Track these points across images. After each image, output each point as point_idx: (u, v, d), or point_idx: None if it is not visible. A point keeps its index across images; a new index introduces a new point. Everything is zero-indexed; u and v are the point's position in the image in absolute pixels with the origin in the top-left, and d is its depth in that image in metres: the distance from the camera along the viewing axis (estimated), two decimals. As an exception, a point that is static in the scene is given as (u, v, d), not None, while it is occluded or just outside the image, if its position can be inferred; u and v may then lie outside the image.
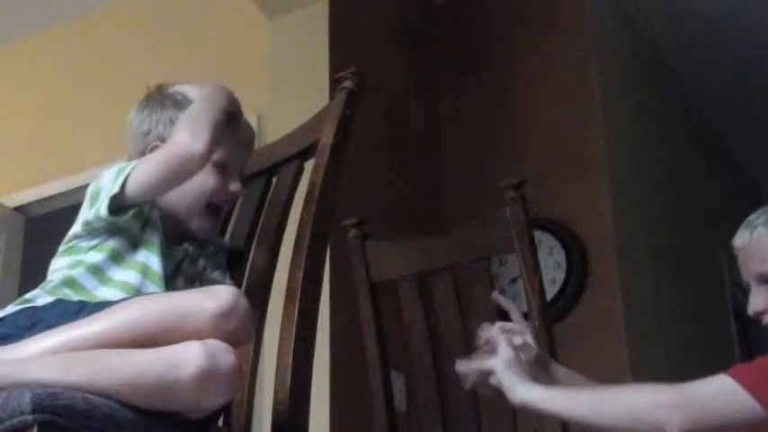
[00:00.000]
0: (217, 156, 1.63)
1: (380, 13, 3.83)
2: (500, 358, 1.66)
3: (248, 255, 1.74)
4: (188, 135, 1.51)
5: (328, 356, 2.95)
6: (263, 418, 1.78)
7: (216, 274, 1.68)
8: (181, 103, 1.65)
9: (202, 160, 1.52)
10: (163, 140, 1.62)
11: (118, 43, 4.20)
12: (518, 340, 1.75)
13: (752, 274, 1.73)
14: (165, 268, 1.61)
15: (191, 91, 1.67)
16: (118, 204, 1.53)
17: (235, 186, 1.68)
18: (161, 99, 1.68)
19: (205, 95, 1.62)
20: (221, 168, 1.65)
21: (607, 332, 3.40)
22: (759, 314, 1.74)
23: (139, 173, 1.53)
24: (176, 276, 1.64)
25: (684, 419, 1.47)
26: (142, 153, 1.65)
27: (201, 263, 1.68)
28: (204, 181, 1.64)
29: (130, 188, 1.52)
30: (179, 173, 1.53)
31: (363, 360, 2.31)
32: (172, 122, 1.63)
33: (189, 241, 1.68)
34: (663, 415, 1.48)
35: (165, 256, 1.62)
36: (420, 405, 2.27)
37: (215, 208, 1.68)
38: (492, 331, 1.73)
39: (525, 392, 1.62)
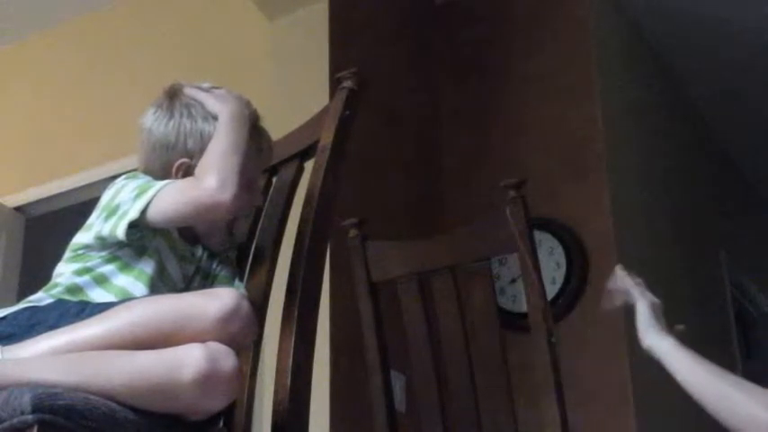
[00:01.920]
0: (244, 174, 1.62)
1: (380, 13, 3.83)
2: (646, 299, 1.75)
3: (248, 254, 1.74)
4: (216, 182, 1.46)
5: (328, 357, 2.95)
6: (263, 419, 1.78)
7: (227, 273, 1.68)
8: (208, 117, 1.60)
9: (228, 211, 1.49)
10: (191, 157, 1.58)
11: (118, 43, 4.20)
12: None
13: None
14: (183, 271, 1.60)
15: (212, 104, 1.60)
16: (135, 225, 1.51)
17: (256, 199, 1.68)
18: (186, 108, 1.62)
19: (231, 126, 1.56)
20: (250, 183, 1.63)
21: (607, 332, 3.40)
22: None
23: (162, 204, 1.48)
24: (195, 275, 1.63)
25: None
26: (165, 168, 1.60)
27: (216, 261, 1.67)
28: None
29: (151, 215, 1.48)
30: (203, 217, 1.53)
31: (363, 360, 2.31)
32: (202, 137, 1.58)
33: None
34: None
35: (185, 258, 1.61)
36: (420, 405, 2.27)
37: (233, 220, 1.66)
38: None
39: (656, 340, 1.79)
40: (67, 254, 1.57)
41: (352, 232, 2.36)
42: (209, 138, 1.58)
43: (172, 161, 1.60)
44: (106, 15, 4.26)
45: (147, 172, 1.62)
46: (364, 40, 3.63)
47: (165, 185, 1.51)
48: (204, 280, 1.64)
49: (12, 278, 4.08)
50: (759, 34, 4.59)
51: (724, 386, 1.66)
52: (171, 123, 1.61)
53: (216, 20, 3.97)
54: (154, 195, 1.49)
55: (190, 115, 1.61)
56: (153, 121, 1.63)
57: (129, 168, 3.98)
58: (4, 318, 1.45)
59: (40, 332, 1.38)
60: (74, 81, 4.26)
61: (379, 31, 3.79)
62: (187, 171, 1.59)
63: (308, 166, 1.73)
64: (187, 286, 1.61)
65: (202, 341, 1.33)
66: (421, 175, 3.85)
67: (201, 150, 1.57)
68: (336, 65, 3.25)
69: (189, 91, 1.65)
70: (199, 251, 1.65)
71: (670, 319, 3.77)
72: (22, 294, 1.55)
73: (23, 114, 4.40)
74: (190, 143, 1.59)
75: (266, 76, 3.42)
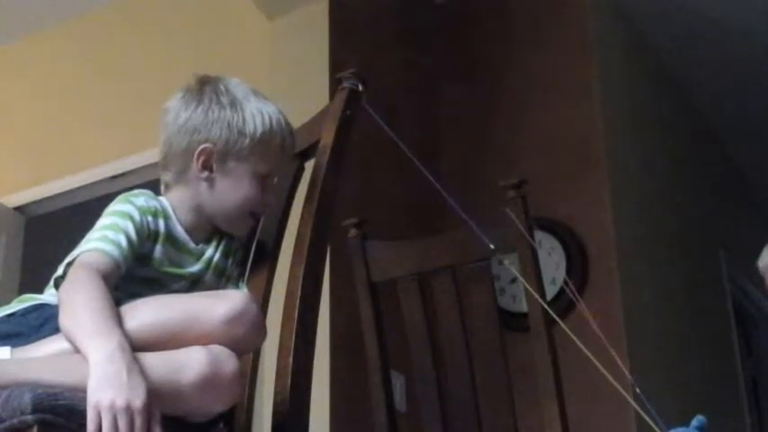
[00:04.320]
0: (263, 168, 1.62)
1: (380, 13, 3.83)
2: None
3: (249, 254, 1.74)
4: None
5: (328, 357, 2.95)
6: (263, 419, 1.78)
7: (239, 273, 1.68)
8: (236, 105, 1.60)
9: None
10: (214, 144, 1.58)
11: (118, 43, 4.20)
12: None
13: None
14: (193, 268, 1.59)
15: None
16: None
17: (271, 197, 1.67)
18: (215, 95, 1.61)
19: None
20: (264, 179, 1.64)
21: (607, 332, 3.39)
22: None
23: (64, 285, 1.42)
24: (205, 272, 1.61)
25: None
26: (187, 152, 1.59)
27: (230, 258, 1.66)
28: (249, 192, 1.61)
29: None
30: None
31: (363, 360, 2.31)
32: (229, 126, 1.58)
33: (221, 236, 1.66)
34: None
35: (194, 254, 1.60)
36: (420, 405, 2.27)
37: (253, 214, 1.66)
38: None
39: None
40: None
41: (352, 232, 2.35)
42: (236, 127, 1.58)
43: (194, 146, 1.59)
44: (106, 15, 4.26)
45: (167, 155, 1.61)
46: (364, 40, 3.63)
47: (80, 255, 1.45)
48: (219, 278, 1.63)
49: (12, 278, 4.09)
50: (759, 34, 4.59)
51: None
52: (200, 108, 1.60)
53: (216, 20, 3.97)
54: (77, 257, 1.45)
55: (219, 102, 1.60)
56: (181, 104, 1.61)
57: (128, 168, 3.98)
58: (12, 314, 1.45)
59: (48, 331, 1.38)
60: (74, 81, 4.26)
61: (379, 30, 3.79)
62: (209, 157, 1.59)
63: (308, 166, 1.74)
64: (196, 282, 1.60)
65: (208, 343, 1.33)
66: (421, 174, 3.84)
67: (226, 139, 1.58)
68: (336, 65, 3.25)
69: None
70: (209, 251, 1.64)
71: (670, 320, 3.76)
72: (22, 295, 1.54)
73: (23, 114, 4.40)
74: (215, 130, 1.59)
75: (266, 76, 3.41)
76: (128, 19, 4.22)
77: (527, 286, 2.03)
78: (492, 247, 1.82)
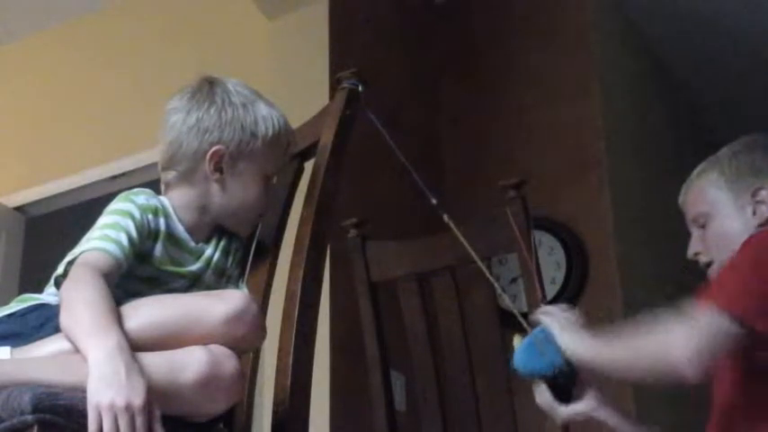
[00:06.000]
0: (271, 169, 1.64)
1: (380, 13, 3.83)
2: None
3: (249, 254, 1.74)
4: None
5: (328, 356, 2.95)
6: (263, 418, 1.79)
7: (239, 272, 1.68)
8: (248, 105, 1.61)
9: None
10: (226, 145, 1.58)
11: (118, 43, 4.20)
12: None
13: (689, 221, 1.83)
14: (193, 267, 1.59)
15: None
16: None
17: (271, 197, 1.68)
18: (226, 95, 1.61)
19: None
20: (269, 180, 1.65)
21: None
22: (696, 255, 1.82)
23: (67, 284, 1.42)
24: (205, 271, 1.61)
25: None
26: (197, 152, 1.58)
27: (231, 257, 1.67)
28: (258, 194, 1.63)
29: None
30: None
31: (363, 360, 2.31)
32: (243, 127, 1.59)
33: (221, 235, 1.66)
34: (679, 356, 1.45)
35: (194, 253, 1.60)
36: (420, 405, 2.27)
37: (259, 215, 1.68)
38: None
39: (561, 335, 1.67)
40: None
41: (352, 232, 2.36)
42: (249, 128, 1.59)
43: (206, 146, 1.58)
44: (107, 15, 4.26)
45: (175, 156, 1.60)
46: (364, 40, 3.63)
47: (83, 252, 1.45)
48: (219, 277, 1.64)
49: (12, 278, 4.09)
50: (759, 34, 4.59)
51: (629, 340, 1.64)
52: (212, 108, 1.60)
53: (216, 20, 3.97)
54: (78, 255, 1.45)
55: (231, 103, 1.60)
56: (191, 104, 1.61)
57: (128, 168, 4.00)
58: (12, 314, 1.45)
59: (47, 331, 1.38)
60: (74, 81, 4.26)
61: (379, 30, 3.79)
62: (221, 158, 1.59)
63: (308, 165, 1.74)
64: (196, 281, 1.60)
65: (208, 342, 1.34)
66: (421, 175, 3.84)
67: (239, 140, 1.58)
68: (336, 65, 3.25)
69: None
70: (209, 250, 1.63)
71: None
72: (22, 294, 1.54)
73: (24, 114, 4.40)
74: (228, 131, 1.59)
75: (266, 76, 3.41)
76: (127, 19, 4.21)
77: (500, 292, 2.03)
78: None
